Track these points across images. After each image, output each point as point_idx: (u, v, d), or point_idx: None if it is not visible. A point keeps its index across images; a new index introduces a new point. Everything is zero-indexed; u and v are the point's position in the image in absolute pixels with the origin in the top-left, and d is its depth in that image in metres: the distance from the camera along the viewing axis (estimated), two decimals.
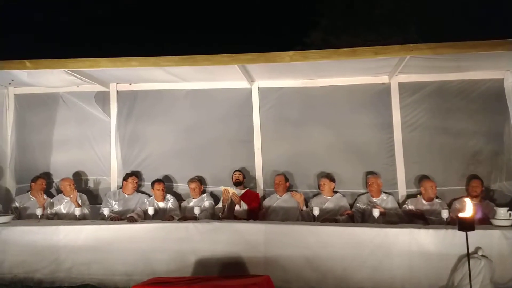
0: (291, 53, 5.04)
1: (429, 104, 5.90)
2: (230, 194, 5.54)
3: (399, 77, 5.85)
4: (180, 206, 5.87)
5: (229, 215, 5.55)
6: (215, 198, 5.94)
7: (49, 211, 5.75)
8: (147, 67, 5.40)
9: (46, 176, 6.21)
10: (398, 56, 5.08)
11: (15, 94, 6.51)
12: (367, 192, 5.67)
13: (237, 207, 5.60)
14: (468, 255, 3.98)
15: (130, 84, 6.42)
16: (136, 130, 6.41)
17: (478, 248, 4.22)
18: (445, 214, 4.74)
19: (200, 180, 5.96)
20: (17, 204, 5.86)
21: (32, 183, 5.89)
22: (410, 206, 5.48)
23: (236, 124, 6.25)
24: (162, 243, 4.79)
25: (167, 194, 5.88)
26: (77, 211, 5.40)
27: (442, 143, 5.83)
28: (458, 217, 4.09)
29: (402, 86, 5.91)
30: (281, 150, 6.13)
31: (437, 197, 5.45)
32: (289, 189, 5.85)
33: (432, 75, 5.85)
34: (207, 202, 5.76)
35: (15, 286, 4.64)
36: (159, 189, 5.74)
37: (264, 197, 5.99)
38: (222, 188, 5.56)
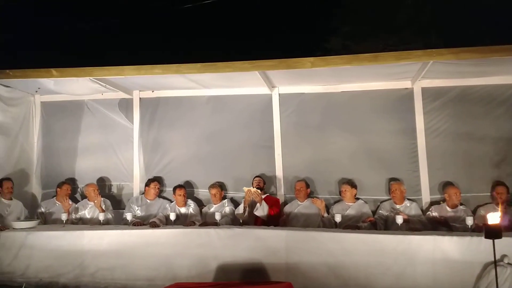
0: (312, 59, 5.04)
1: (452, 109, 5.83)
2: (253, 191, 5.52)
3: (422, 82, 5.80)
4: (201, 211, 5.90)
5: (250, 218, 5.56)
6: (236, 204, 5.95)
7: (73, 216, 5.86)
8: (169, 75, 5.47)
9: (71, 181, 6.34)
10: (421, 61, 5.04)
11: (41, 102, 6.69)
12: (390, 199, 5.61)
13: (257, 206, 5.55)
14: (495, 263, 3.90)
15: (152, 91, 6.52)
16: (158, 136, 6.49)
17: (504, 256, 4.14)
18: (469, 221, 4.65)
19: (221, 186, 5.99)
20: (42, 210, 5.99)
21: (58, 189, 6.01)
22: (434, 213, 5.40)
23: (257, 130, 6.27)
24: (183, 249, 4.82)
25: (188, 200, 5.93)
26: (101, 216, 5.49)
27: (466, 149, 5.75)
28: (485, 224, 4.03)
29: (425, 91, 5.86)
30: (302, 156, 6.11)
31: (461, 204, 5.36)
32: (310, 195, 5.82)
33: (455, 80, 5.80)
34: (227, 207, 5.77)
35: None
36: (180, 195, 5.79)
37: (284, 203, 5.97)
38: (245, 189, 5.54)
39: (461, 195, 5.37)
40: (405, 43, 9.63)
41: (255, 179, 5.93)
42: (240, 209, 5.61)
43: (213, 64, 5.29)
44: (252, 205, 5.60)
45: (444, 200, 5.46)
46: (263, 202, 5.55)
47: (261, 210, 5.50)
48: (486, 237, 3.94)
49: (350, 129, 6.01)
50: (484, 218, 5.05)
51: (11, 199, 5.73)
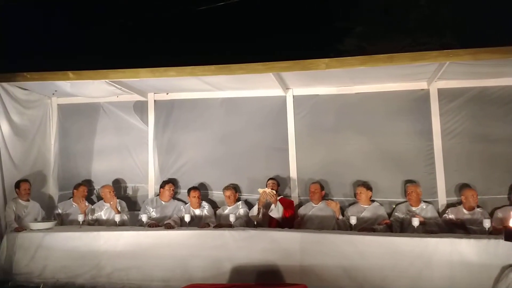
0: (326, 60, 5.02)
1: (469, 110, 5.76)
2: (268, 192, 5.52)
3: (438, 83, 5.75)
4: (215, 213, 5.92)
5: (264, 220, 5.56)
6: (250, 206, 5.94)
7: (90, 217, 5.92)
8: (184, 77, 5.50)
9: (88, 183, 6.41)
10: (437, 62, 4.98)
11: (58, 104, 6.78)
12: (406, 201, 5.56)
13: (272, 207, 5.55)
14: None
15: (167, 94, 6.56)
16: (172, 138, 6.53)
17: None
18: (487, 223, 4.59)
19: (235, 188, 6.00)
20: (59, 211, 6.06)
21: (74, 190, 6.09)
22: (450, 215, 5.34)
23: (271, 132, 6.27)
24: (198, 250, 4.85)
25: (203, 202, 5.96)
26: (117, 218, 5.54)
27: (483, 151, 5.67)
28: (505, 227, 3.99)
29: (441, 92, 5.80)
30: (316, 158, 6.09)
31: (478, 206, 5.30)
32: (324, 197, 5.80)
33: (472, 81, 5.72)
34: (242, 209, 5.78)
35: None
36: (195, 197, 5.82)
37: (299, 206, 5.96)
38: (260, 190, 5.54)
39: (478, 197, 5.31)
40: (420, 43, 9.52)
41: (269, 181, 5.93)
42: (254, 211, 5.61)
43: (227, 66, 5.30)
44: (266, 207, 5.60)
45: (460, 202, 5.40)
46: (278, 203, 5.55)
47: (276, 211, 5.49)
48: (506, 239, 3.88)
49: (365, 131, 5.98)
50: (501, 220, 5.00)
51: (28, 200, 5.81)
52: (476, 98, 5.75)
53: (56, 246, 5.11)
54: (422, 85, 5.86)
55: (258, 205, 5.59)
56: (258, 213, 5.52)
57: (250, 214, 5.67)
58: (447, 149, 5.73)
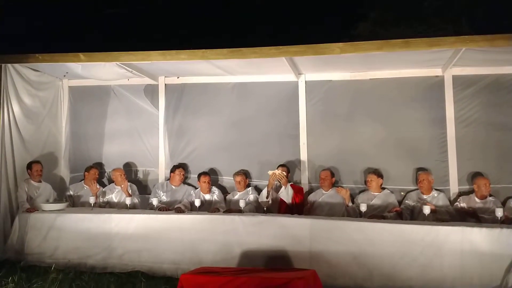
0: (341, 44, 4.94)
1: (484, 98, 5.68)
2: (277, 174, 5.51)
3: (453, 70, 5.65)
4: (225, 198, 5.93)
5: (273, 204, 5.56)
6: (260, 192, 5.93)
7: (101, 199, 5.97)
8: (195, 60, 5.46)
9: (99, 166, 6.45)
10: (453, 48, 4.90)
11: (69, 86, 6.78)
12: (417, 189, 5.52)
13: (282, 189, 5.55)
14: None
15: (177, 78, 6.53)
16: (183, 123, 6.51)
17: None
18: (499, 212, 4.55)
19: (246, 174, 5.99)
20: (71, 192, 6.11)
21: (86, 173, 6.13)
22: (462, 203, 5.30)
23: (282, 118, 6.22)
24: (209, 234, 4.87)
25: (213, 187, 5.96)
26: (128, 201, 5.56)
27: (497, 139, 5.61)
28: None
29: (456, 79, 5.71)
30: (327, 145, 6.05)
31: (490, 195, 5.25)
32: (334, 184, 5.78)
33: (488, 68, 5.63)
34: (252, 195, 5.78)
35: (69, 271, 4.81)
36: (205, 182, 5.82)
37: (308, 192, 5.95)
38: (270, 172, 5.54)
39: (491, 186, 5.25)
40: (435, 29, 9.37)
41: (279, 168, 5.90)
42: (264, 195, 5.61)
43: (239, 50, 5.24)
44: (276, 190, 5.62)
45: (472, 191, 5.35)
46: (288, 185, 5.55)
47: (286, 193, 5.50)
48: None
49: (377, 117, 5.92)
50: None
51: (40, 181, 5.85)
52: (491, 86, 5.66)
53: (68, 227, 5.16)
54: (436, 71, 5.77)
55: (268, 188, 5.59)
56: (268, 196, 5.51)
57: (259, 200, 5.67)
58: (461, 137, 5.67)
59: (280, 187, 5.57)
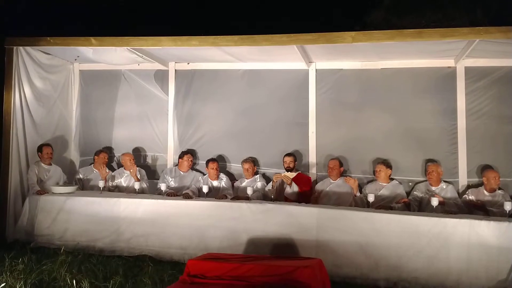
0: (353, 33, 4.90)
1: (496, 91, 5.62)
2: (282, 176, 5.55)
3: (466, 61, 5.59)
4: (233, 185, 5.96)
5: (280, 195, 5.59)
6: (268, 179, 5.96)
7: (110, 183, 6.02)
8: (206, 47, 5.44)
9: (108, 150, 6.48)
10: (467, 39, 4.84)
11: (80, 70, 6.79)
12: (426, 180, 5.50)
13: (287, 189, 5.61)
14: None
15: (188, 64, 6.51)
16: (192, 109, 6.51)
17: None
18: (508, 206, 4.50)
19: (254, 161, 6.00)
20: (80, 176, 6.17)
21: (95, 156, 6.17)
22: (470, 196, 5.28)
23: (292, 106, 6.20)
24: (216, 221, 4.91)
25: (221, 174, 5.99)
26: (137, 185, 5.61)
27: (507, 133, 5.56)
28: None
29: (468, 70, 5.65)
30: (336, 134, 6.03)
31: (499, 188, 5.22)
32: (343, 174, 5.77)
33: (501, 60, 5.55)
34: (259, 183, 5.80)
35: (78, 253, 4.89)
36: (213, 168, 5.85)
37: (316, 181, 5.95)
38: (274, 178, 5.62)
39: (500, 179, 5.22)
40: (449, 19, 9.24)
41: (285, 159, 5.87)
42: (270, 186, 5.67)
43: (250, 37, 5.22)
44: (280, 188, 5.66)
45: (482, 184, 5.32)
46: (293, 184, 5.60)
47: (291, 191, 5.58)
48: None
49: (388, 107, 5.87)
50: None
51: (50, 164, 5.91)
52: (504, 78, 5.59)
53: (77, 210, 5.22)
54: (449, 62, 5.70)
55: (272, 185, 5.64)
56: (272, 191, 5.54)
57: (267, 188, 5.70)
58: (471, 129, 5.62)
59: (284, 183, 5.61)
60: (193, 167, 6.25)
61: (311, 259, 4.07)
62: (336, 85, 6.07)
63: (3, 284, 3.69)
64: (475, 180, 5.56)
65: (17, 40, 5.71)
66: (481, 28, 4.73)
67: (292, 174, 5.71)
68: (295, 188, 5.60)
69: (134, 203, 5.16)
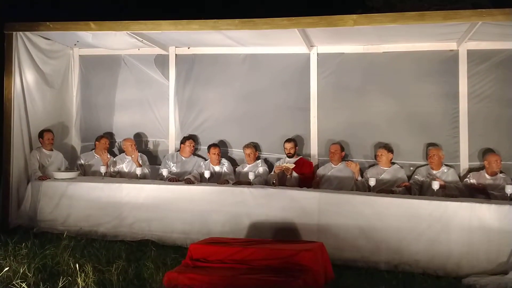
0: (355, 16, 4.85)
1: (498, 74, 5.58)
2: (283, 168, 5.56)
3: (468, 44, 5.54)
4: (234, 170, 5.97)
5: (281, 182, 5.60)
6: (269, 165, 5.97)
7: (112, 169, 6.03)
8: (206, 31, 5.40)
9: (109, 135, 6.48)
10: (469, 21, 4.79)
11: (80, 55, 6.74)
12: (427, 164, 5.50)
13: (288, 179, 5.62)
14: None
15: (188, 48, 6.46)
16: (193, 94, 6.48)
17: None
18: (509, 189, 4.49)
19: (255, 146, 6.00)
20: (82, 161, 6.19)
21: (96, 142, 6.17)
22: (472, 180, 5.28)
23: (293, 91, 6.17)
24: (218, 206, 4.94)
25: (222, 159, 5.99)
26: (138, 171, 5.62)
27: (510, 116, 5.54)
28: None
29: (471, 54, 5.60)
30: (338, 118, 6.01)
31: (501, 172, 5.22)
32: (344, 158, 5.77)
33: (504, 43, 5.50)
34: (261, 168, 5.80)
35: (81, 238, 4.94)
36: (214, 153, 5.85)
37: (317, 166, 5.95)
38: (276, 168, 5.63)
39: (502, 162, 5.22)
40: (452, 2, 9.14)
41: (285, 145, 5.86)
42: (271, 176, 5.67)
43: (251, 21, 5.18)
44: (281, 177, 5.66)
45: (483, 167, 5.32)
46: (294, 174, 5.60)
47: (293, 181, 5.58)
48: None
49: (390, 91, 5.84)
50: None
51: (51, 150, 5.92)
52: (506, 61, 5.55)
53: (79, 195, 5.26)
54: (451, 45, 5.65)
55: (274, 172, 5.65)
56: (274, 176, 5.54)
57: (268, 175, 5.71)
58: (473, 112, 5.60)
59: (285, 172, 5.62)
60: (194, 153, 6.26)
61: (313, 242, 4.11)
62: (337, 69, 6.03)
63: (6, 268, 3.73)
64: (477, 163, 5.55)
65: (17, 25, 5.67)
66: (483, 10, 4.68)
67: (293, 161, 5.71)
68: (295, 176, 5.62)
69: (136, 188, 5.18)
